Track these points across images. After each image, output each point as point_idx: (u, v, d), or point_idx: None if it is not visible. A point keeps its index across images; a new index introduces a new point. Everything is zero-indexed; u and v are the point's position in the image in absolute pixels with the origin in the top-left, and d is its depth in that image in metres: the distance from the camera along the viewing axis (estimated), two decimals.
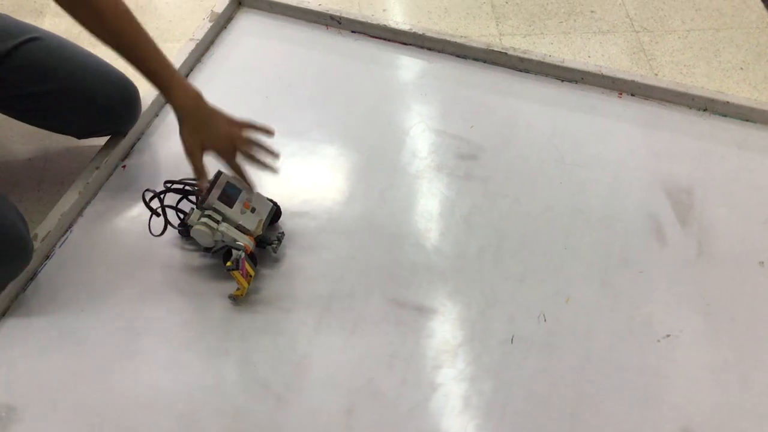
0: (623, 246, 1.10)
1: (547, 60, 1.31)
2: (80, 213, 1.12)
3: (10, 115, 1.14)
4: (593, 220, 1.13)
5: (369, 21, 1.38)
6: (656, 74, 1.41)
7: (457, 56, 1.36)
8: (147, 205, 1.02)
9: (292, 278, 1.05)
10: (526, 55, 1.32)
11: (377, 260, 1.07)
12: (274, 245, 1.04)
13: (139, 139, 1.22)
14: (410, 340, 0.99)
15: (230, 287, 1.01)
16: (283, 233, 1.07)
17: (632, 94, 1.30)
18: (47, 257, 1.07)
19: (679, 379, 0.96)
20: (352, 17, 1.39)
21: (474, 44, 1.34)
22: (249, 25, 1.42)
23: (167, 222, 1.04)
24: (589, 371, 0.97)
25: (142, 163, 1.19)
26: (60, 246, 1.08)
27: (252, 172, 1.17)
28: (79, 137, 1.19)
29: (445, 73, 1.34)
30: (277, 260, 1.06)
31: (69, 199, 1.10)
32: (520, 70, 1.34)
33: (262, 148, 1.04)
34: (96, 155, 1.16)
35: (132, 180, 1.17)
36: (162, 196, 1.03)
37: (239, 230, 1.00)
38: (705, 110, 1.28)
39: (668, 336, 1.00)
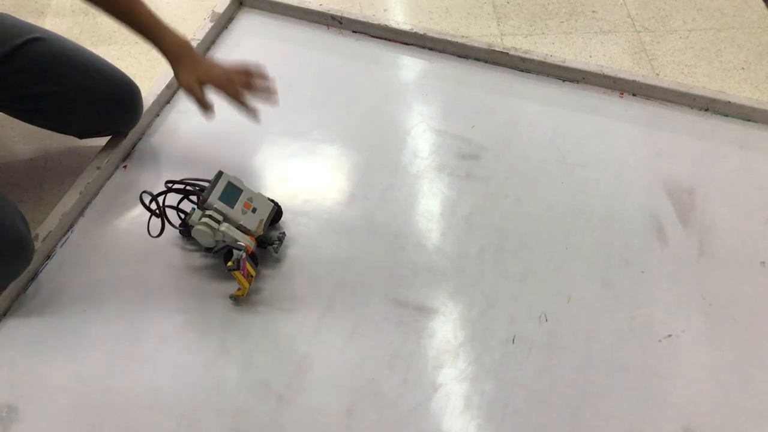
0: (624, 246, 1.10)
1: (549, 60, 1.31)
2: (81, 213, 1.12)
3: (11, 115, 1.14)
4: (594, 220, 1.13)
5: (370, 21, 1.38)
6: (658, 74, 1.41)
7: (459, 56, 1.36)
8: (145, 206, 1.02)
9: (293, 278, 1.05)
10: (527, 55, 1.32)
11: (378, 260, 1.07)
12: (275, 245, 1.04)
13: (140, 139, 1.22)
14: (411, 340, 0.99)
15: (231, 287, 1.01)
16: (284, 233, 1.07)
17: (634, 94, 1.30)
18: (48, 257, 1.07)
19: (680, 379, 0.96)
20: (353, 17, 1.39)
21: (475, 44, 1.34)
22: (250, 25, 1.42)
23: (164, 223, 1.03)
24: (590, 371, 0.97)
25: (143, 163, 1.19)
26: (61, 246, 1.08)
27: (253, 172, 1.17)
28: (81, 137, 1.19)
29: (447, 73, 1.34)
30: (278, 260, 1.06)
31: (70, 199, 1.10)
32: (522, 70, 1.34)
33: (257, 82, 1.06)
34: (97, 155, 1.16)
35: (133, 180, 1.17)
36: (164, 196, 1.02)
37: (240, 230, 1.00)
38: (706, 110, 1.28)
39: (669, 336, 1.00)
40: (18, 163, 1.24)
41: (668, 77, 1.40)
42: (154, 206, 1.02)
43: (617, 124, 1.26)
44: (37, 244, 1.04)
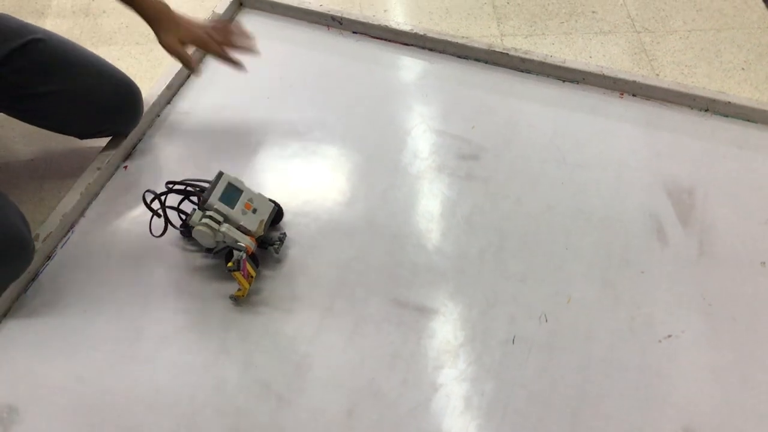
0: (624, 246, 1.10)
1: (549, 60, 1.31)
2: (82, 214, 1.12)
3: (12, 116, 1.14)
4: (594, 221, 1.13)
5: (370, 21, 1.39)
6: (657, 75, 1.41)
7: (459, 57, 1.37)
8: (147, 206, 1.02)
9: (294, 278, 1.05)
10: (527, 56, 1.32)
11: (378, 260, 1.07)
12: (276, 246, 1.04)
13: (140, 139, 1.22)
14: (411, 340, 0.99)
15: (231, 288, 1.02)
16: (284, 234, 1.07)
17: (633, 95, 1.30)
18: (49, 258, 1.07)
19: (680, 379, 0.96)
20: (353, 18, 1.39)
21: (475, 45, 1.34)
22: (250, 26, 1.41)
23: (167, 223, 1.04)
24: (590, 371, 0.97)
25: (143, 163, 1.19)
26: (61, 247, 1.08)
27: (253, 172, 1.17)
28: (81, 138, 1.19)
29: (447, 74, 1.34)
30: (278, 261, 1.06)
31: (70, 200, 1.10)
32: (522, 71, 1.34)
33: (236, 39, 1.11)
34: (98, 156, 1.16)
35: (133, 181, 1.17)
36: (164, 197, 1.03)
37: (241, 231, 1.00)
38: (706, 110, 1.28)
39: (669, 336, 1.00)
40: (19, 163, 1.24)
41: (668, 78, 1.40)
42: (156, 206, 1.02)
43: (617, 124, 1.26)
44: (38, 245, 1.04)
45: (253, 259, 1.01)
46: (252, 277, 1.00)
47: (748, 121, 1.26)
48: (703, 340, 1.00)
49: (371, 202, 1.14)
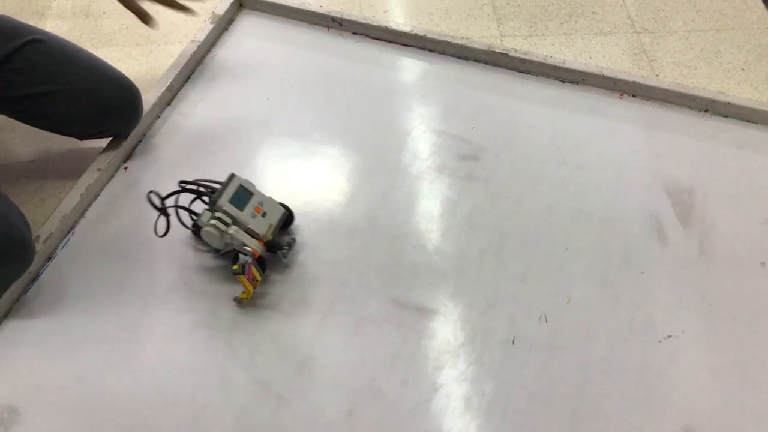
0: (624, 246, 1.10)
1: (549, 61, 1.31)
2: (82, 215, 1.12)
3: (11, 116, 1.14)
4: (594, 221, 1.13)
5: (370, 22, 1.39)
6: (657, 75, 1.42)
7: (459, 57, 1.37)
8: (153, 205, 1.01)
9: (294, 279, 1.05)
10: (527, 57, 1.32)
11: (379, 261, 1.07)
12: (285, 251, 1.04)
13: (140, 140, 1.22)
14: (411, 340, 0.99)
15: (235, 289, 1.02)
16: (294, 239, 1.06)
17: (633, 95, 1.31)
18: (49, 259, 1.07)
19: (681, 379, 0.96)
20: (353, 19, 1.39)
21: (475, 45, 1.34)
22: (250, 27, 1.43)
23: (169, 222, 1.03)
24: (590, 372, 0.97)
25: (144, 164, 1.19)
26: (62, 248, 1.08)
27: (253, 172, 1.17)
28: (81, 138, 1.19)
29: (447, 75, 1.34)
30: (287, 265, 1.06)
31: (71, 201, 1.10)
32: (522, 72, 1.34)
33: None
34: (98, 157, 1.16)
35: (134, 182, 1.17)
36: (177, 196, 1.02)
37: (249, 234, 1.00)
38: (706, 111, 1.28)
39: (669, 336, 1.00)
40: (19, 164, 1.24)
41: (668, 78, 1.40)
42: (167, 203, 1.02)
43: (617, 125, 1.26)
44: (38, 246, 1.04)
45: (261, 262, 1.01)
46: (257, 281, 1.00)
47: (748, 121, 1.26)
48: (703, 340, 1.00)
49: (371, 202, 1.15)
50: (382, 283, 1.05)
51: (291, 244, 1.05)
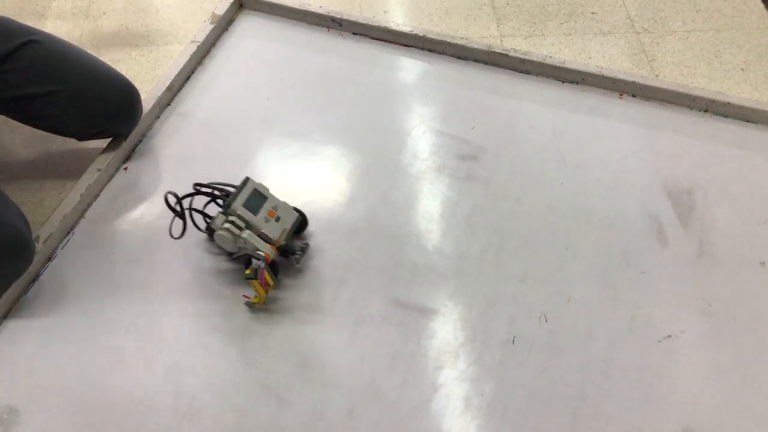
0: (624, 246, 1.10)
1: (548, 61, 1.31)
2: (82, 215, 1.12)
3: (10, 117, 1.14)
4: (594, 221, 1.13)
5: (370, 23, 1.39)
6: (657, 75, 1.42)
7: (458, 58, 1.37)
8: (170, 207, 1.01)
9: (293, 279, 1.05)
10: (527, 57, 1.32)
11: (379, 261, 1.07)
12: (298, 256, 1.03)
13: (140, 141, 1.22)
14: (411, 340, 0.99)
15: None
16: (307, 244, 1.06)
17: (633, 95, 1.31)
18: (49, 259, 1.07)
19: (680, 379, 0.96)
20: (353, 19, 1.39)
21: (475, 46, 1.34)
22: (250, 27, 1.43)
23: (185, 224, 1.02)
24: (590, 371, 0.97)
25: (143, 165, 1.19)
26: (62, 248, 1.09)
27: (253, 173, 1.17)
28: (80, 139, 1.19)
29: (446, 75, 1.34)
30: (300, 270, 1.06)
31: (71, 201, 1.10)
32: (521, 72, 1.34)
33: None
34: (98, 157, 1.16)
35: (134, 182, 1.17)
36: (191, 199, 1.02)
37: (262, 238, 1.00)
38: (706, 111, 1.28)
39: (669, 336, 1.00)
40: (19, 164, 1.24)
41: (668, 78, 1.40)
42: (177, 206, 1.01)
43: (617, 124, 1.26)
44: (38, 246, 1.04)
45: (273, 267, 1.01)
46: (269, 285, 1.00)
47: (748, 121, 1.26)
48: (703, 340, 1.00)
49: (371, 202, 1.15)
50: (382, 283, 1.05)
51: (304, 249, 1.05)
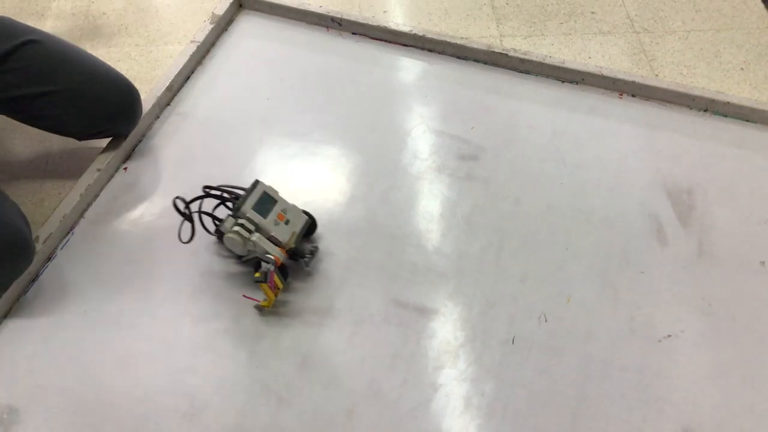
0: (624, 246, 1.10)
1: (548, 61, 1.31)
2: (82, 215, 1.12)
3: (10, 117, 1.14)
4: (594, 221, 1.13)
5: (369, 23, 1.39)
6: (657, 75, 1.42)
7: (458, 57, 1.37)
8: (179, 211, 1.00)
9: (293, 279, 1.05)
10: (526, 57, 1.32)
11: (378, 261, 1.07)
12: (307, 259, 1.03)
13: (140, 141, 1.22)
14: (411, 340, 0.99)
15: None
16: (316, 247, 1.06)
17: (633, 95, 1.31)
18: (49, 259, 1.07)
19: (680, 379, 0.96)
20: (352, 19, 1.39)
21: (474, 45, 1.34)
22: (250, 27, 1.43)
23: (194, 228, 1.02)
24: (589, 371, 0.97)
25: (143, 165, 1.19)
26: (61, 248, 1.09)
27: (253, 173, 1.17)
28: (80, 139, 1.19)
29: (446, 75, 1.34)
30: (309, 274, 1.06)
31: (70, 201, 1.10)
32: (521, 71, 1.34)
33: None
34: (97, 157, 1.16)
35: (133, 182, 1.17)
36: (200, 202, 1.02)
37: (272, 241, 0.99)
38: (705, 111, 1.28)
39: (669, 336, 1.00)
40: (18, 164, 1.24)
41: (667, 78, 1.40)
42: (187, 209, 1.01)
43: (616, 124, 1.26)
44: (38, 246, 1.04)
45: (282, 270, 1.01)
46: (278, 289, 1.00)
47: (748, 121, 1.27)
48: (702, 340, 1.00)
49: (371, 202, 1.15)
50: (381, 283, 1.05)
51: (313, 252, 1.05)
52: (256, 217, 0.99)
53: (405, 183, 1.17)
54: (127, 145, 1.19)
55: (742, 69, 1.43)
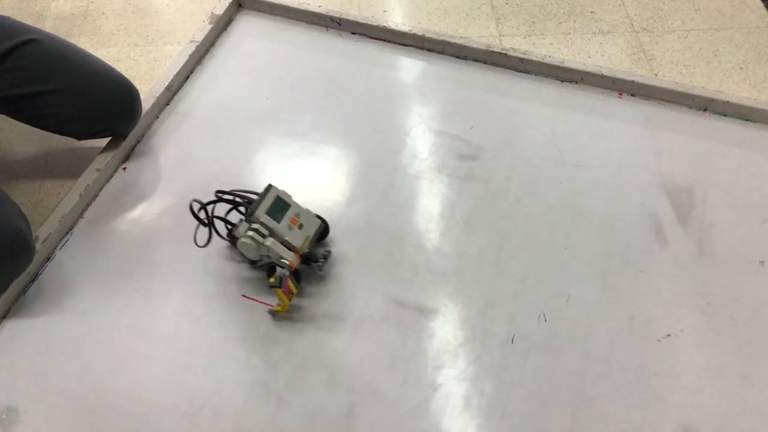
0: (624, 246, 1.10)
1: (547, 60, 1.31)
2: (81, 215, 1.12)
3: (10, 116, 1.14)
4: (594, 220, 1.13)
5: (369, 22, 1.39)
6: (656, 74, 1.42)
7: (457, 57, 1.37)
8: (195, 216, 1.00)
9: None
10: (526, 56, 1.32)
11: (378, 261, 1.07)
12: (320, 263, 1.03)
13: (139, 141, 1.22)
14: (411, 340, 0.99)
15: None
16: (329, 251, 1.05)
17: (632, 95, 1.31)
18: (48, 259, 1.07)
19: (680, 378, 0.96)
20: (352, 19, 1.39)
21: (474, 45, 1.34)
22: (249, 27, 1.43)
23: (211, 232, 1.02)
24: (589, 371, 0.97)
25: (143, 165, 1.19)
26: (61, 248, 1.08)
27: (253, 173, 1.17)
28: (79, 139, 1.19)
29: (445, 74, 1.34)
30: (322, 278, 1.06)
31: (70, 201, 1.10)
32: (520, 71, 1.34)
33: None
34: (97, 157, 1.16)
35: (133, 182, 1.17)
36: (213, 206, 1.01)
37: (285, 246, 0.99)
38: (705, 110, 1.28)
39: (669, 336, 1.00)
40: (18, 164, 1.24)
41: (667, 77, 1.40)
42: (203, 215, 1.00)
43: (616, 124, 1.26)
44: (37, 246, 1.04)
45: (296, 275, 1.00)
46: (292, 293, 1.00)
47: (747, 120, 1.27)
48: (702, 339, 1.00)
49: (371, 202, 1.15)
50: (381, 283, 1.05)
51: (326, 257, 1.04)
52: (270, 222, 0.98)
53: (404, 183, 1.17)
54: (126, 145, 1.19)
55: (741, 68, 1.43)
